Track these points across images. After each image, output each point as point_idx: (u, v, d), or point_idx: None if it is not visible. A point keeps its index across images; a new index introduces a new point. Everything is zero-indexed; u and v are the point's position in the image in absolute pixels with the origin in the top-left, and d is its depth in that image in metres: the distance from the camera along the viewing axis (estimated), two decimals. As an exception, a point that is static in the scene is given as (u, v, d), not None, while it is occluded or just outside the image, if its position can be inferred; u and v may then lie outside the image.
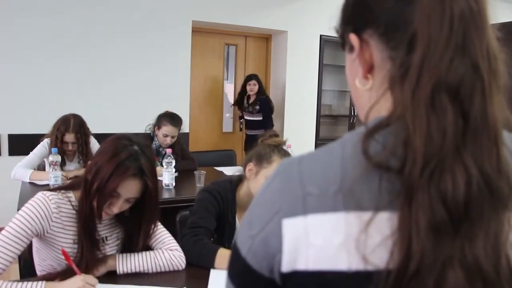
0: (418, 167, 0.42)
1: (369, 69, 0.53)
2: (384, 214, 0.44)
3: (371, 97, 0.53)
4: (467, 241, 0.42)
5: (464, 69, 0.44)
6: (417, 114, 0.44)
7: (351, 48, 0.54)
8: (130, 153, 1.31)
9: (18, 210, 1.33)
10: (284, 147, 1.74)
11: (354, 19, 0.54)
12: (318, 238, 0.46)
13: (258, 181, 1.64)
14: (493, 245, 0.42)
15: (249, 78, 4.66)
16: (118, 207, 1.33)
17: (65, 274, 1.29)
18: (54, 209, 1.33)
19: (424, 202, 0.42)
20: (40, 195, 1.34)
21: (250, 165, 1.68)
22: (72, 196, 1.40)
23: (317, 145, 5.34)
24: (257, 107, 4.57)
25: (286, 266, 0.48)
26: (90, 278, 1.28)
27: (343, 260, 0.45)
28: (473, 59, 0.44)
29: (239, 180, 1.76)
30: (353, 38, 0.53)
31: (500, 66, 0.46)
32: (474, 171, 0.42)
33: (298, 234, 0.47)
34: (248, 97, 4.67)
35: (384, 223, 0.44)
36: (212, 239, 1.63)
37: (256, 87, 4.59)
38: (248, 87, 4.60)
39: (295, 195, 0.49)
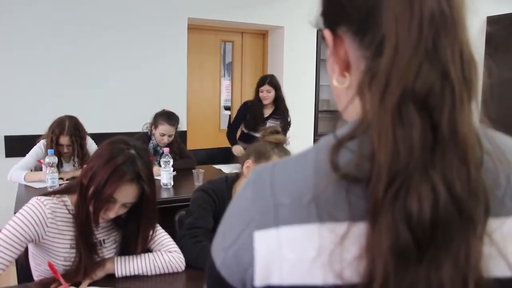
0: (382, 185, 0.40)
1: (346, 67, 0.50)
2: (361, 225, 0.41)
3: (348, 96, 0.49)
4: (433, 267, 0.39)
5: (433, 76, 0.40)
6: (383, 126, 0.40)
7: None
8: (127, 158, 1.28)
9: (15, 213, 1.31)
10: (284, 145, 1.72)
11: (327, 14, 0.51)
12: (291, 252, 0.44)
13: None
14: (462, 271, 0.39)
15: (261, 82, 3.42)
16: (114, 212, 1.31)
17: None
18: (49, 215, 1.31)
19: (388, 223, 0.39)
20: (34, 200, 1.31)
21: (249, 162, 1.65)
22: (68, 200, 1.38)
23: (315, 140, 5.32)
24: (278, 122, 3.48)
25: (260, 280, 0.46)
26: None
27: (318, 274, 0.43)
28: (443, 65, 0.41)
29: (235, 177, 1.74)
30: (327, 34, 0.50)
31: (473, 73, 0.42)
32: (441, 191, 0.39)
33: (270, 248, 0.45)
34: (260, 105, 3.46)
35: (360, 235, 0.41)
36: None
37: (272, 94, 3.40)
38: (261, 94, 3.41)
39: (267, 205, 0.46)
